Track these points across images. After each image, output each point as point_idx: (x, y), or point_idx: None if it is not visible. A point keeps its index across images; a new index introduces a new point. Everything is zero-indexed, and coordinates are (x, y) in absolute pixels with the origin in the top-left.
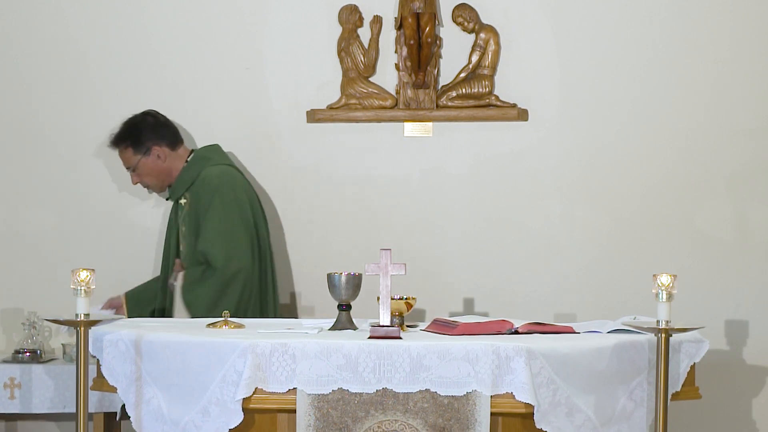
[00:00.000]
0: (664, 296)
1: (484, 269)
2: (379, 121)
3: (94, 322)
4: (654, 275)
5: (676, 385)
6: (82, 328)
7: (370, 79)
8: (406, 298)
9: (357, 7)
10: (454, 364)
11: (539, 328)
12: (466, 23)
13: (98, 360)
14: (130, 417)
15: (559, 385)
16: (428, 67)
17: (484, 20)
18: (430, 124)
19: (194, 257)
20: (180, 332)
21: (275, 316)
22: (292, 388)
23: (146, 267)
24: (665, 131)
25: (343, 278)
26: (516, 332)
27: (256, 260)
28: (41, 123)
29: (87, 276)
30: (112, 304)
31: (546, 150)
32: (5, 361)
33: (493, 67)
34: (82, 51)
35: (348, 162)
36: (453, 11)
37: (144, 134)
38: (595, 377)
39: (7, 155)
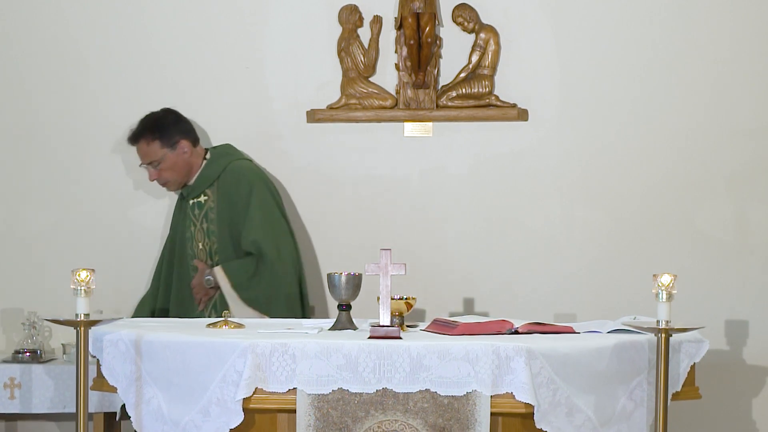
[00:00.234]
0: (664, 296)
1: (484, 269)
2: (379, 121)
3: (94, 322)
4: (654, 275)
5: (676, 385)
6: (82, 328)
7: (370, 79)
8: (406, 298)
9: (357, 7)
10: (454, 364)
11: (539, 328)
12: (466, 23)
13: (98, 360)
14: (130, 417)
15: (559, 385)
16: (428, 67)
17: (484, 20)
18: (430, 124)
19: (227, 251)
20: (180, 332)
21: (308, 306)
22: (292, 388)
23: (146, 267)
24: (665, 131)
25: (343, 278)
26: (516, 332)
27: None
28: (41, 123)
29: (87, 276)
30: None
31: (546, 150)
32: (5, 361)
33: (493, 67)
34: (82, 51)
35: (348, 162)
36: (453, 11)
37: (171, 128)
38: (595, 377)
39: (7, 155)
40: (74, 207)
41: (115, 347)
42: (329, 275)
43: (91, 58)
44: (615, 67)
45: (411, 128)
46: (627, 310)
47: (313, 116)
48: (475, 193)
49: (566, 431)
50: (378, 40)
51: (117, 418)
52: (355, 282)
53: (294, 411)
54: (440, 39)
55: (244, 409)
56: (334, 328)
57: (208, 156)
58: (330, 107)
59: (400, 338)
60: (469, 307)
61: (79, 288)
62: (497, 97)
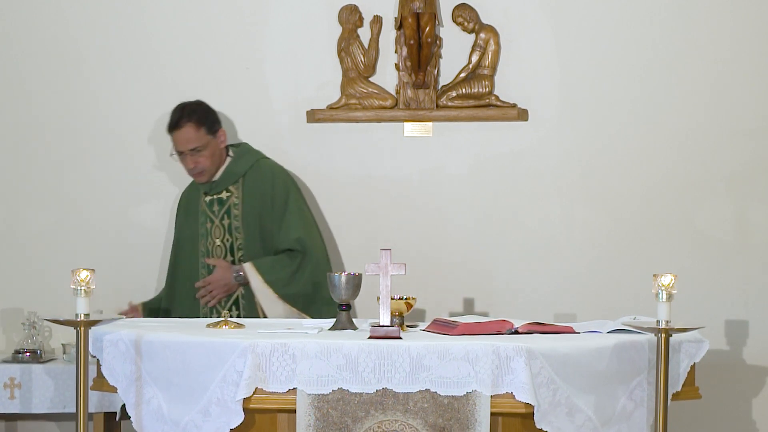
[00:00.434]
0: (664, 296)
1: (484, 269)
2: (379, 121)
3: (94, 322)
4: (654, 275)
5: (676, 385)
6: (82, 328)
7: (370, 79)
8: (406, 298)
9: (357, 7)
10: (454, 364)
11: (539, 328)
12: (466, 23)
13: (98, 360)
14: (130, 417)
15: (559, 385)
16: (428, 67)
17: (484, 20)
18: (430, 124)
19: (253, 247)
20: (180, 332)
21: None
22: (292, 388)
23: (146, 267)
24: (665, 131)
25: (343, 278)
26: (516, 332)
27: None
28: (41, 123)
29: (87, 276)
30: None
31: (546, 150)
32: (5, 361)
33: (493, 67)
34: (82, 51)
35: (348, 162)
36: (453, 11)
37: (212, 115)
38: (595, 377)
39: (7, 155)
40: (74, 207)
41: (115, 347)
42: (329, 275)
43: (91, 58)
44: (615, 67)
45: (411, 128)
46: (627, 310)
47: (313, 116)
48: (475, 193)
49: (566, 431)
50: (378, 40)
51: (117, 418)
52: (355, 282)
53: (294, 411)
54: (440, 39)
55: (244, 409)
56: (334, 328)
57: (231, 153)
58: (330, 107)
59: (400, 338)
60: (469, 307)
61: (79, 288)
62: (497, 97)
